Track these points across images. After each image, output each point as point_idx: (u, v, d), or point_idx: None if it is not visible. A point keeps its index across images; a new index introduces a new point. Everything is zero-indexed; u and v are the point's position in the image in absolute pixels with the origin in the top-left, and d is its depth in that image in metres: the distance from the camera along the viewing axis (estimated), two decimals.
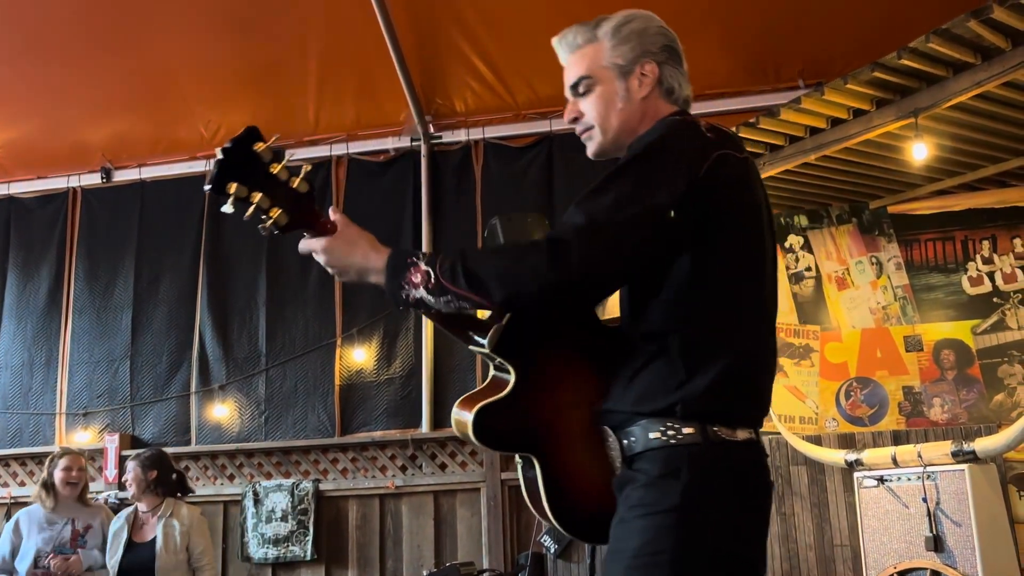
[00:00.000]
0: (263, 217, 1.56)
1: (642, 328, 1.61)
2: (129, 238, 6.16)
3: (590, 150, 1.78)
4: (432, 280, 1.52)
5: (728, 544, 1.52)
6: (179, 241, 6.08)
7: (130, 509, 4.58)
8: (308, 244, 1.64)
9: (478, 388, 1.70)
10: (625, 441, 1.59)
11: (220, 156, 1.50)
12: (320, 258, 1.64)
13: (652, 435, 1.55)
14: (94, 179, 6.28)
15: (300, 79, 5.58)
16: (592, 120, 1.75)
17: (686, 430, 1.54)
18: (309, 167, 1.62)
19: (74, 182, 6.33)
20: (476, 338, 1.68)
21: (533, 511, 1.71)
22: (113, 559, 4.41)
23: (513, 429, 1.63)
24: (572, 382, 1.70)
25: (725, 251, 1.58)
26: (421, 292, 1.54)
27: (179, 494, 4.57)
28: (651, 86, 1.73)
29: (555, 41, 1.79)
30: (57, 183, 6.35)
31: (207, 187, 1.53)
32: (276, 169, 1.56)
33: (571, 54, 1.77)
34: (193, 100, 5.76)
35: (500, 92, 5.57)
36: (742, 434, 1.58)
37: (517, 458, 1.68)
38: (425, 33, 5.29)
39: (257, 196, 1.54)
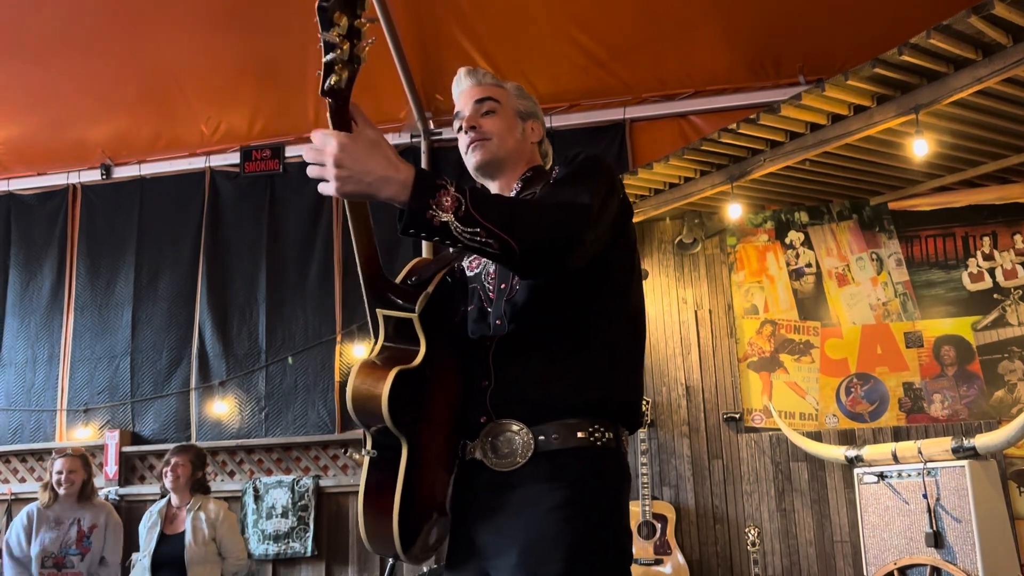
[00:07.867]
0: (334, 71, 1.33)
1: (564, 326, 1.65)
2: (129, 235, 6.15)
3: (478, 158, 1.82)
4: (463, 208, 1.40)
5: (631, 540, 1.68)
6: (179, 237, 6.07)
7: (163, 502, 4.69)
8: (322, 137, 1.40)
9: (371, 357, 1.52)
10: (542, 437, 1.58)
11: None
12: (330, 159, 1.39)
13: (579, 434, 1.59)
14: (94, 176, 6.28)
15: (300, 75, 5.56)
16: (492, 132, 1.83)
17: (608, 434, 1.61)
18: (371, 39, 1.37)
19: (74, 179, 6.32)
20: (397, 301, 1.54)
21: (364, 529, 1.53)
22: (147, 550, 4.53)
23: (409, 404, 1.48)
24: (452, 374, 1.60)
25: (631, 266, 1.74)
26: (448, 217, 1.40)
27: (206, 491, 4.79)
28: (539, 138, 1.92)
29: (464, 71, 1.90)
30: (57, 180, 6.34)
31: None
32: (362, 24, 1.33)
33: (480, 83, 1.89)
34: (193, 97, 5.75)
35: None
36: (627, 439, 1.71)
37: (367, 454, 1.53)
38: (425, 30, 5.28)
39: (346, 45, 1.32)
